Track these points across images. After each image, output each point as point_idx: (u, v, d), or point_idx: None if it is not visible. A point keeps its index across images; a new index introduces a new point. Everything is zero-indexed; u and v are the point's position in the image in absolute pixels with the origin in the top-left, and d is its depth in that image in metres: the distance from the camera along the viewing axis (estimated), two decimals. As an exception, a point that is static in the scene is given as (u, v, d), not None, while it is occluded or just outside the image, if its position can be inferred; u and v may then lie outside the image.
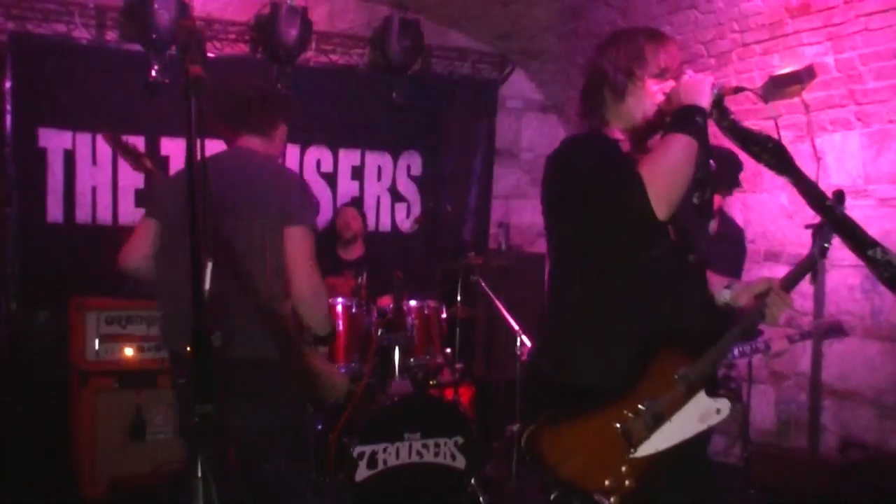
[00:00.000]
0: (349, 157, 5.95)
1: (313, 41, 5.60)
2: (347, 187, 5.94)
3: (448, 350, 4.77)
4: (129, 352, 4.60)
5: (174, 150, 5.29)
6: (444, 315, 4.80)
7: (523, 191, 6.55)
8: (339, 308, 4.38)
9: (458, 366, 4.78)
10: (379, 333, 4.44)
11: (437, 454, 4.31)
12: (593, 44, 2.59)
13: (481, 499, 4.35)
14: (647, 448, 2.23)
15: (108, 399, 4.52)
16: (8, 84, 4.93)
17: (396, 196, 6.16)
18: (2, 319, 5.05)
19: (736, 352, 3.82)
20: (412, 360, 4.54)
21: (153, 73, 5.04)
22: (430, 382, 4.68)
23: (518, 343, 4.69)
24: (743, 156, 2.33)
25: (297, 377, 3.11)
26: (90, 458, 4.48)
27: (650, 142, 2.45)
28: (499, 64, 6.47)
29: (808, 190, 2.10)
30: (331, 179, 5.89)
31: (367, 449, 4.15)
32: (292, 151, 5.69)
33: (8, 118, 4.96)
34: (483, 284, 4.85)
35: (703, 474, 2.46)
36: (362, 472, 4.13)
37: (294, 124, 5.67)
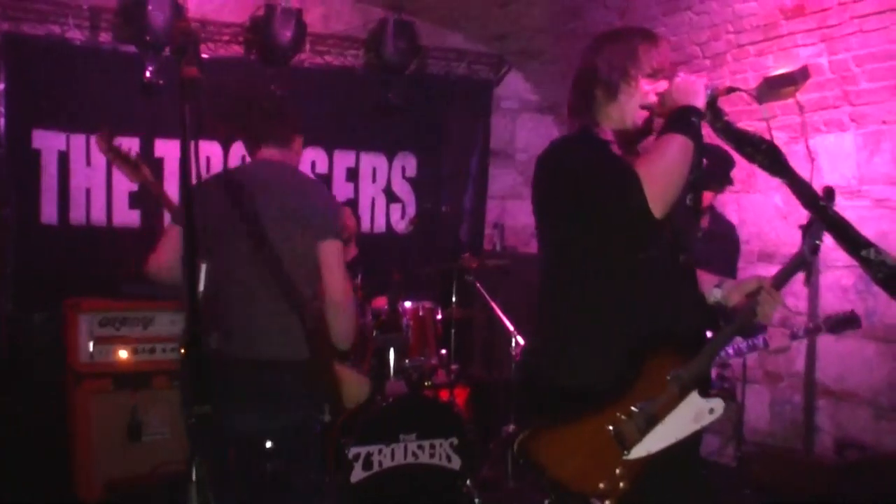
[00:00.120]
0: (344, 159, 5.95)
1: (308, 43, 5.59)
2: (342, 188, 5.94)
3: (443, 351, 4.77)
4: (123, 354, 4.59)
5: (169, 151, 5.28)
6: (439, 316, 4.80)
7: (518, 192, 6.55)
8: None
9: (453, 367, 4.78)
10: (374, 334, 4.44)
11: (432, 455, 4.31)
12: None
13: (477, 500, 4.35)
14: (641, 450, 2.23)
15: (104, 401, 4.51)
16: (2, 85, 4.93)
17: (391, 197, 6.16)
18: (1, 321, 5.03)
19: (731, 350, 3.82)
20: (407, 361, 4.53)
21: (148, 74, 5.03)
22: (426, 383, 4.67)
23: (513, 344, 4.69)
24: (737, 156, 2.33)
25: (326, 380, 3.18)
26: (86, 460, 4.47)
27: (640, 144, 2.46)
28: (494, 65, 6.47)
29: (802, 191, 2.10)
30: (326, 181, 5.89)
31: (363, 450, 4.15)
32: (287, 152, 5.68)
33: (2, 119, 4.95)
34: (478, 285, 4.85)
35: (696, 475, 2.47)
36: (358, 474, 4.12)
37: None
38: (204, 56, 5.28)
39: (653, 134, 2.40)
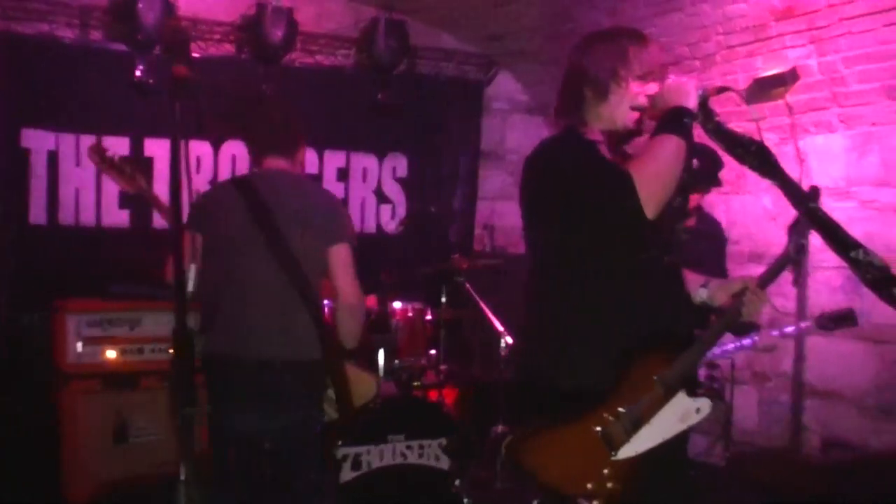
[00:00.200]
0: (334, 159, 5.94)
1: (299, 42, 5.58)
2: (333, 189, 5.91)
3: (433, 351, 4.77)
4: (111, 354, 4.57)
5: (159, 151, 5.26)
6: (428, 317, 4.80)
7: (509, 192, 6.55)
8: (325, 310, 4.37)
9: (442, 367, 4.78)
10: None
11: (421, 455, 4.31)
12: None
13: (466, 500, 4.35)
14: (628, 450, 2.23)
15: (91, 402, 4.48)
16: (-10, 84, 4.91)
17: (382, 198, 6.15)
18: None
19: (718, 350, 3.82)
20: (397, 361, 4.53)
21: (138, 73, 5.01)
22: (415, 384, 4.67)
23: (503, 344, 4.70)
24: (727, 157, 2.34)
25: (338, 379, 3.26)
26: (73, 461, 4.45)
27: (629, 144, 2.46)
28: (485, 65, 6.47)
29: (792, 192, 2.11)
30: (316, 181, 5.88)
31: (351, 451, 4.14)
32: (277, 152, 5.67)
33: (-9, 118, 4.93)
34: (468, 286, 4.86)
35: (684, 475, 2.48)
36: (346, 474, 4.12)
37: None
38: (195, 55, 5.26)
39: (642, 135, 2.41)
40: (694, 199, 4.10)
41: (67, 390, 4.47)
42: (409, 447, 4.28)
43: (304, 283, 3.16)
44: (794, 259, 2.40)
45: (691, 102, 2.26)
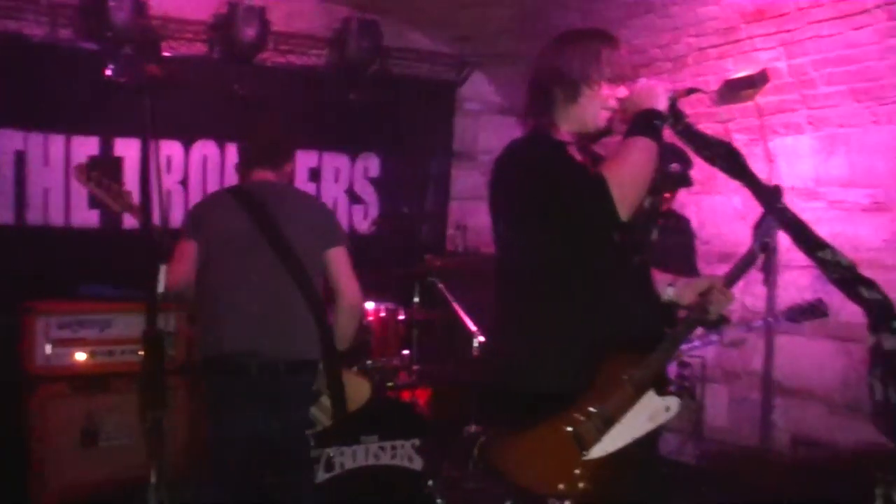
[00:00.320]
0: (306, 159, 5.91)
1: (271, 41, 5.55)
2: (305, 189, 5.90)
3: (405, 352, 4.76)
4: (81, 356, 4.52)
5: (129, 150, 5.21)
6: (401, 317, 4.79)
7: (481, 193, 6.44)
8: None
9: (415, 368, 4.78)
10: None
11: (394, 456, 4.30)
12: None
13: (438, 500, 4.35)
14: (599, 450, 2.24)
15: (61, 405, 4.43)
16: (-44, 82, 4.83)
17: (354, 198, 6.14)
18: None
19: (686, 346, 3.85)
20: (369, 362, 4.52)
21: (108, 72, 4.96)
22: (388, 384, 4.66)
23: (475, 344, 4.70)
24: (697, 158, 2.37)
25: (336, 381, 3.32)
26: (42, 466, 4.38)
27: (597, 145, 2.47)
28: (457, 66, 6.47)
29: (760, 193, 2.14)
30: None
31: (324, 452, 4.13)
32: (249, 152, 5.64)
33: (-44, 117, 4.86)
34: (441, 286, 4.85)
35: (655, 473, 2.49)
36: (319, 476, 4.10)
37: (251, 125, 5.63)
38: (166, 54, 5.22)
39: (611, 136, 2.42)
40: (665, 198, 4.14)
41: (36, 393, 4.41)
42: (381, 448, 4.27)
43: (308, 283, 3.25)
44: (758, 258, 2.44)
45: (661, 105, 2.28)
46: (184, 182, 5.43)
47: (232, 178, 5.60)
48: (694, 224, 4.60)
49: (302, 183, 5.88)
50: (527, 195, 2.32)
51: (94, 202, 5.15)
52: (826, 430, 4.62)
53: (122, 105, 4.98)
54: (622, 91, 2.37)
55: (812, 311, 3.79)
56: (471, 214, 6.56)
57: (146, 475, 1.89)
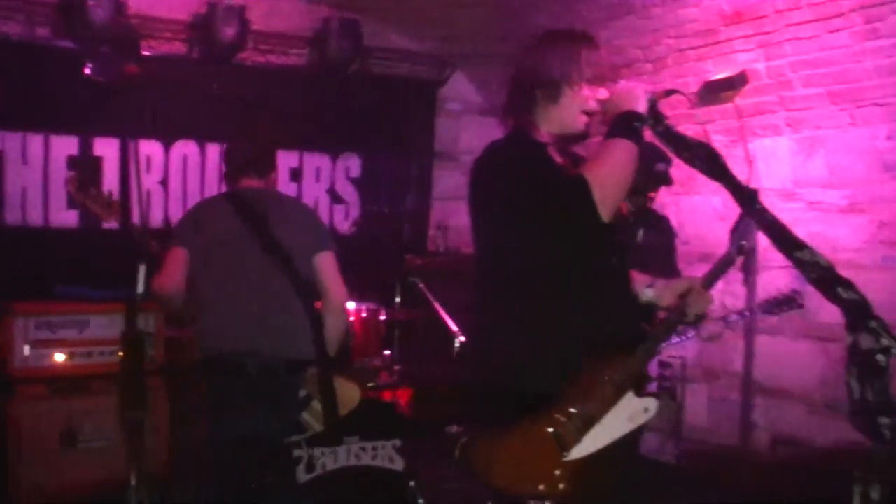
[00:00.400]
0: (287, 159, 5.89)
1: (251, 41, 5.53)
2: (286, 189, 5.87)
3: (387, 352, 4.76)
4: (60, 358, 4.48)
5: (108, 150, 5.17)
6: (382, 317, 4.79)
7: (463, 193, 6.43)
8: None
9: (396, 368, 4.77)
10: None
11: (375, 457, 4.29)
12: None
13: (420, 501, 4.35)
14: (580, 450, 2.25)
15: (39, 407, 4.39)
16: (-68, 81, 4.78)
17: (335, 198, 6.13)
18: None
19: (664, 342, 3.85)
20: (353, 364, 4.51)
21: (87, 71, 4.92)
22: (369, 385, 4.66)
23: (457, 345, 4.70)
24: (677, 159, 2.38)
25: (325, 385, 3.37)
26: (20, 468, 4.34)
27: (577, 147, 2.48)
28: (438, 66, 6.47)
29: (740, 194, 2.15)
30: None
31: (305, 453, 4.11)
32: (230, 152, 5.62)
33: (-68, 116, 4.81)
34: (422, 286, 4.85)
35: (635, 473, 2.50)
36: (301, 476, 4.09)
37: (231, 125, 5.62)
38: (145, 53, 5.19)
39: (590, 138, 2.43)
40: (648, 198, 4.16)
41: (14, 395, 4.37)
42: (363, 448, 4.26)
43: (304, 285, 3.33)
44: (735, 261, 2.47)
45: (641, 106, 2.29)
46: (164, 182, 5.40)
47: (212, 178, 5.58)
48: (674, 224, 4.62)
49: (283, 183, 5.85)
50: (507, 196, 2.32)
51: (72, 202, 5.11)
52: (805, 430, 4.66)
53: (102, 104, 4.96)
54: (602, 92, 2.37)
55: (788, 302, 3.81)
56: (452, 214, 6.57)
57: (126, 476, 1.88)
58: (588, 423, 2.25)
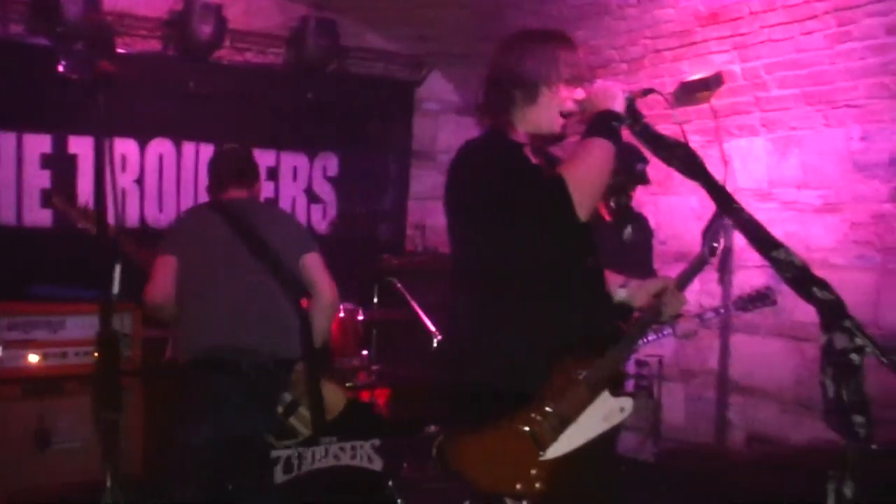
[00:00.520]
0: (264, 158, 5.85)
1: (228, 39, 5.50)
2: (263, 188, 5.84)
3: (365, 352, 4.75)
4: (33, 358, 4.44)
5: (82, 148, 5.12)
6: (360, 317, 4.78)
7: (440, 193, 6.47)
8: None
9: (374, 368, 4.77)
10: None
11: (353, 457, 4.29)
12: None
13: (399, 500, 4.34)
14: (556, 450, 2.25)
15: (12, 408, 4.33)
16: None
17: (312, 197, 6.10)
18: None
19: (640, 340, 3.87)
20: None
21: (61, 68, 4.87)
22: (347, 385, 4.65)
23: (434, 344, 4.70)
24: (655, 159, 2.39)
25: (312, 386, 3.42)
26: (-8, 469, 4.30)
27: (553, 147, 2.48)
28: (416, 65, 6.47)
29: (717, 193, 2.16)
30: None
31: (283, 453, 4.10)
32: (206, 151, 5.58)
33: None
34: (399, 286, 4.85)
35: (612, 473, 2.51)
36: (278, 477, 4.07)
37: (208, 124, 5.60)
38: (120, 51, 5.15)
39: (567, 138, 2.44)
40: (629, 197, 4.17)
41: (-14, 396, 4.32)
42: (341, 448, 4.25)
43: (292, 284, 3.39)
44: (707, 262, 2.50)
45: (619, 106, 2.30)
46: (139, 181, 5.36)
47: (188, 177, 5.54)
48: (651, 224, 4.64)
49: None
50: (484, 197, 2.31)
51: (46, 201, 5.06)
52: (779, 428, 4.70)
53: (76, 102, 4.91)
54: (579, 93, 2.38)
55: (761, 299, 3.84)
56: (430, 214, 6.57)
57: (101, 478, 1.86)
58: (564, 422, 2.25)
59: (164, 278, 3.35)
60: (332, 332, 4.56)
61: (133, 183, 5.33)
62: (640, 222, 4.30)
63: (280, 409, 3.49)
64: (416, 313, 4.80)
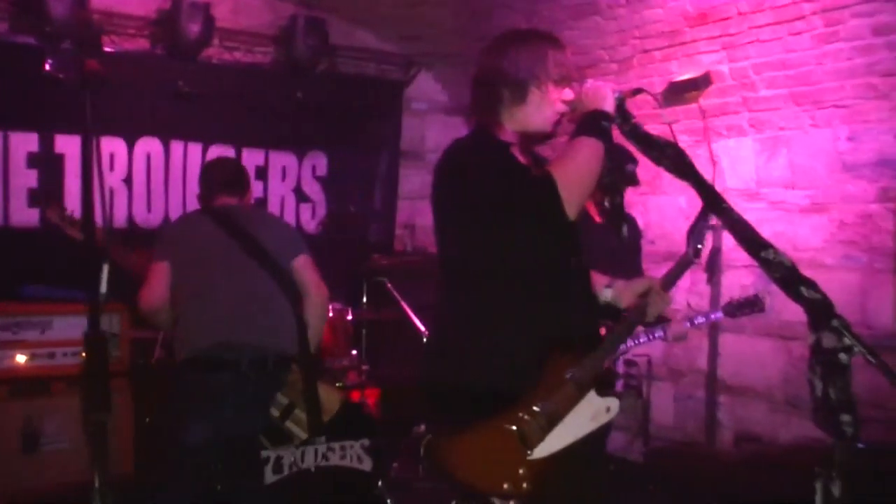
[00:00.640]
0: (253, 157, 5.85)
1: (216, 38, 5.48)
2: (252, 190, 5.84)
3: (354, 352, 4.74)
4: (20, 359, 4.41)
5: (69, 147, 5.10)
6: (349, 317, 4.77)
7: (429, 192, 6.54)
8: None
9: (364, 367, 4.76)
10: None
11: (343, 457, 4.28)
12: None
13: (388, 500, 4.34)
14: (544, 449, 2.25)
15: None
16: None
17: (301, 196, 6.09)
18: None
19: (631, 342, 3.88)
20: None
21: (47, 67, 4.84)
22: (337, 384, 4.64)
23: (424, 344, 4.70)
24: (643, 158, 2.39)
25: (309, 392, 3.46)
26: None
27: (541, 146, 2.48)
28: (404, 65, 6.47)
29: (706, 193, 2.17)
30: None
31: (273, 454, 4.09)
32: (194, 150, 5.56)
33: None
34: (389, 286, 4.84)
35: (600, 472, 2.51)
36: (268, 477, 4.06)
37: (196, 123, 5.58)
38: (107, 49, 5.12)
39: (555, 138, 2.44)
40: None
41: (-28, 397, 4.29)
42: (331, 448, 4.24)
43: (287, 284, 3.43)
44: (692, 263, 2.51)
45: (608, 106, 2.30)
46: (127, 180, 5.33)
47: (176, 176, 5.52)
48: (640, 224, 4.65)
49: (248, 182, 5.82)
50: (472, 196, 2.30)
51: (34, 201, 5.04)
52: (768, 427, 4.72)
53: (62, 101, 4.87)
54: (568, 93, 2.38)
55: (749, 305, 3.88)
56: (419, 214, 6.57)
57: (89, 479, 1.85)
58: (551, 421, 2.25)
59: (157, 283, 3.37)
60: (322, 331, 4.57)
61: (121, 182, 5.31)
62: (630, 222, 4.31)
63: (276, 413, 3.49)
64: (406, 313, 4.79)
